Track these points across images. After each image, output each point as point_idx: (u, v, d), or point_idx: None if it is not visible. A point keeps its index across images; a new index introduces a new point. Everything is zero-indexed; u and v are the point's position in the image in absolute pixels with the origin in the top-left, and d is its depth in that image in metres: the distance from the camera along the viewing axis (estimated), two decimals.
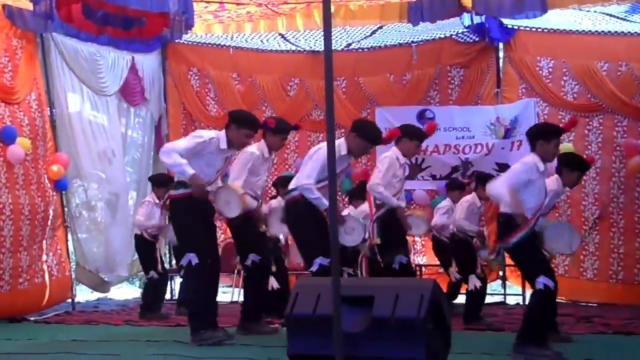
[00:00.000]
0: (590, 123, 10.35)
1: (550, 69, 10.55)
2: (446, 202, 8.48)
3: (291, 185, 6.36)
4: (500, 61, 10.77)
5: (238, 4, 7.90)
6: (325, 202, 5.91)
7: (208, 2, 7.70)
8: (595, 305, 9.53)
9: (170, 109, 11.48)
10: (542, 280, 5.38)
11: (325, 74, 4.14)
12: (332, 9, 6.36)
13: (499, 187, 5.70)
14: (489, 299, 10.46)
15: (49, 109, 9.26)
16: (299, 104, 11.39)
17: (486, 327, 7.35)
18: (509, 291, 10.75)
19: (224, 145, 6.20)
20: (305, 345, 4.21)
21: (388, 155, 6.83)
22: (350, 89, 11.23)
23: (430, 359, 4.04)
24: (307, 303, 4.26)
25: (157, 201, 8.56)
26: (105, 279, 10.19)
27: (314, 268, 6.10)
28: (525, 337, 5.41)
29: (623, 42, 10.33)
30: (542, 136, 5.87)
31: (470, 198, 7.86)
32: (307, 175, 6.15)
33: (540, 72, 10.53)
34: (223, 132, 6.29)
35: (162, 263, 8.88)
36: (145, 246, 8.69)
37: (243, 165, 6.67)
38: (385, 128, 10.53)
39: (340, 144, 6.19)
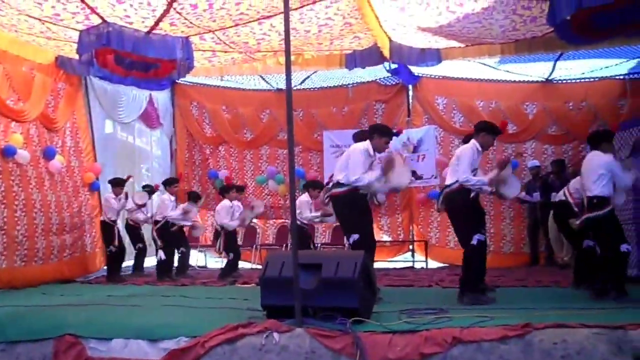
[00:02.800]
0: None
1: (445, 105, 10.64)
2: None
3: (449, 181, 5.64)
4: (410, 98, 10.81)
5: (225, 52, 7.82)
6: (485, 181, 5.54)
7: (204, 50, 7.62)
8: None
9: (178, 131, 11.38)
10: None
11: (287, 106, 4.17)
12: (292, 57, 6.32)
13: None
14: (402, 265, 10.62)
15: (90, 131, 9.12)
16: (270, 128, 11.30)
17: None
18: (416, 259, 10.83)
19: (372, 151, 5.78)
20: (273, 298, 4.21)
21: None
22: (306, 117, 11.17)
23: (361, 306, 4.08)
24: (275, 268, 4.27)
25: (114, 196, 8.48)
26: None
27: (475, 242, 5.38)
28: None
29: (494, 87, 10.49)
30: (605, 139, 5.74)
31: None
32: (463, 171, 5.48)
33: (438, 107, 10.63)
34: (367, 142, 5.78)
35: (120, 240, 8.54)
36: (106, 228, 8.49)
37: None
38: (331, 145, 10.67)
39: (475, 144, 5.62)
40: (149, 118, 10.44)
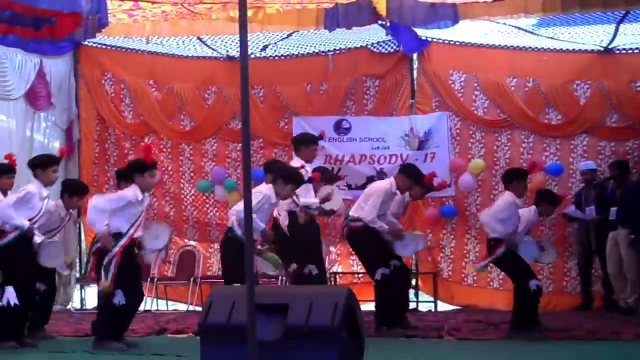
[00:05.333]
0: (499, 139, 10.56)
1: (462, 83, 10.66)
2: None
3: (354, 215, 7.67)
4: (415, 73, 10.83)
5: (153, 2, 7.72)
6: (386, 227, 7.55)
7: (122, 0, 7.50)
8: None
9: (83, 114, 11.16)
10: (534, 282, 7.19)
11: (242, 82, 4.13)
12: (249, 12, 6.23)
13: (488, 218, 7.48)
14: None
15: None
16: (217, 113, 11.18)
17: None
18: (421, 298, 10.82)
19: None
20: (219, 355, 4.16)
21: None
22: (268, 98, 11.10)
23: None
24: (221, 312, 4.22)
25: None
26: None
27: (378, 277, 7.43)
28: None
29: (531, 57, 10.57)
30: (516, 178, 7.53)
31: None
32: (369, 211, 7.42)
33: (453, 85, 10.63)
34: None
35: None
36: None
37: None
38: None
39: (392, 185, 7.61)
40: (35, 95, 10.17)
